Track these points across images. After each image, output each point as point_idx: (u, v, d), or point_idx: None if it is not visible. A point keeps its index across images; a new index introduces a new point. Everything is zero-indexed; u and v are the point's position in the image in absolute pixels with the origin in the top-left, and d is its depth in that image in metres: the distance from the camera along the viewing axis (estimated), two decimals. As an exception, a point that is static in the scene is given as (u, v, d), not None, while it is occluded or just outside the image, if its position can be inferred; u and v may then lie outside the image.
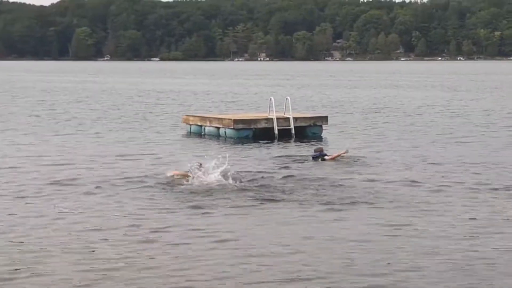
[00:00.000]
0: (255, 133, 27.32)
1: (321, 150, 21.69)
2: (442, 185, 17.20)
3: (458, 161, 21.29)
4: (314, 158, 21.32)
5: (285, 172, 19.14)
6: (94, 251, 11.59)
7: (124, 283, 9.97)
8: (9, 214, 14.21)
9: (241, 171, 18.80)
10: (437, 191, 16.48)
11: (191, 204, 15.04)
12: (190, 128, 29.63)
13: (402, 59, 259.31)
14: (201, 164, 17.79)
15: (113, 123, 33.84)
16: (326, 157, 21.19)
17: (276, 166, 20.18)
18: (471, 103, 47.68)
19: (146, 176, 18.13)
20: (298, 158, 21.85)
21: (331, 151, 22.27)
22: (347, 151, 21.58)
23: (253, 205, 14.89)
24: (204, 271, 10.50)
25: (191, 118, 30.08)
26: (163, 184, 17.13)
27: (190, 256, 11.26)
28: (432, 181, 17.82)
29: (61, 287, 9.85)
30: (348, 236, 12.43)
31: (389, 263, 10.85)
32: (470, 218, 13.84)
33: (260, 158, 22.00)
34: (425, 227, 13.11)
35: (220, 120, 28.35)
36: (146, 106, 45.19)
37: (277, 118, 27.68)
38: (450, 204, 15.13)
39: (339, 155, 21.35)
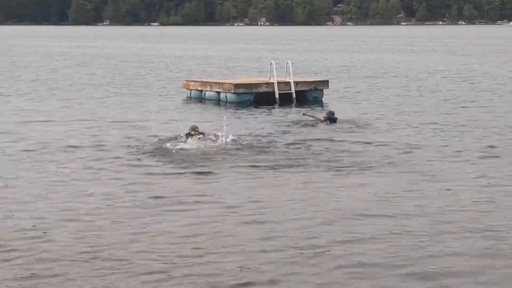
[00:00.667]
0: (256, 97, 27.13)
1: (332, 113, 21.61)
2: (450, 151, 17.07)
3: (464, 125, 21.15)
4: (330, 120, 21.13)
5: (288, 136, 19.07)
6: (97, 219, 11.42)
7: (130, 252, 9.83)
8: (5, 183, 14.09)
9: (242, 135, 18.71)
10: (444, 156, 16.33)
11: (193, 169, 14.87)
12: (191, 93, 29.42)
13: (403, 23, 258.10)
14: (200, 132, 17.66)
15: (113, 88, 33.65)
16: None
17: (278, 130, 20.08)
18: (475, 67, 47.34)
19: (146, 142, 17.94)
20: (300, 121, 21.73)
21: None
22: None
23: (257, 170, 14.71)
24: (212, 238, 10.38)
25: (192, 83, 29.85)
26: (163, 149, 16.95)
27: (196, 223, 11.11)
28: (438, 146, 17.70)
29: (65, 259, 9.60)
30: (352, 203, 12.23)
31: (394, 233, 10.65)
32: (477, 184, 13.72)
33: (262, 122, 21.89)
34: (432, 193, 12.98)
35: (220, 84, 28.15)
36: (146, 71, 44.96)
37: (278, 83, 27.47)
38: (458, 169, 14.97)
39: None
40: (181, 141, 17.48)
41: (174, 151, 16.75)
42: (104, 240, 10.27)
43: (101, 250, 9.85)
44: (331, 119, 21.18)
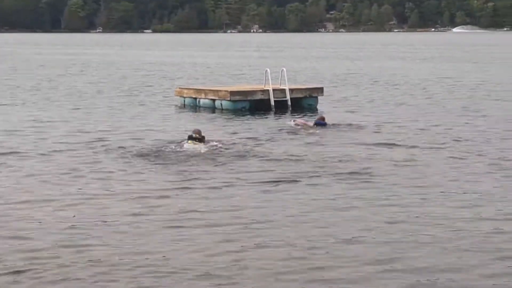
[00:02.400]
0: (251, 104, 27.14)
1: (323, 119, 22.14)
2: (445, 156, 17.06)
3: (471, 135, 20.79)
4: (319, 124, 21.79)
5: (286, 143, 19.08)
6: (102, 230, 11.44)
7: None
8: (14, 189, 14.14)
9: (241, 141, 18.89)
10: (445, 163, 16.29)
11: (195, 181, 14.63)
12: (184, 100, 29.34)
13: (395, 30, 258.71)
14: (201, 136, 17.88)
15: (105, 97, 33.59)
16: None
17: (277, 137, 20.10)
18: (474, 74, 46.89)
19: (142, 149, 17.95)
20: (298, 128, 21.72)
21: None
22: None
23: (259, 182, 14.50)
24: (230, 257, 10.25)
25: (185, 91, 29.79)
26: (162, 155, 17.01)
27: (184, 237, 11.04)
28: (435, 153, 17.70)
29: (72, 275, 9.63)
30: (352, 213, 12.17)
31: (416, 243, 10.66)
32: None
33: (259, 129, 21.91)
34: (423, 202, 13.00)
35: (216, 92, 28.13)
36: (139, 79, 44.88)
37: (273, 90, 27.49)
38: (464, 179, 14.91)
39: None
40: (182, 145, 17.64)
41: (173, 157, 16.77)
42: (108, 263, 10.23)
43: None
44: (319, 123, 21.76)
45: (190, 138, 17.83)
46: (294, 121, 22.68)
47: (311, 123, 22.05)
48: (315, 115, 24.53)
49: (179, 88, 31.00)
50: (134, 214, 12.02)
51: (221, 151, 17.46)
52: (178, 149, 17.51)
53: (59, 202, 12.90)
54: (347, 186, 14.02)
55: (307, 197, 13.15)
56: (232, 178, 14.67)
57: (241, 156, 16.98)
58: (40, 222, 11.59)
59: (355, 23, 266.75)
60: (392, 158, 16.84)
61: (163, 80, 43.79)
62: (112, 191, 13.74)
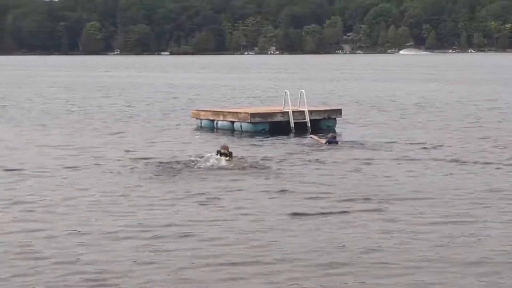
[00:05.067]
0: (271, 126, 27.17)
1: (334, 137, 23.20)
2: (468, 187, 16.43)
3: (487, 158, 20.26)
4: (331, 143, 22.61)
5: (314, 165, 19.05)
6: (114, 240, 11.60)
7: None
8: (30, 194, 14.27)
9: (268, 161, 19.24)
10: (457, 190, 16.01)
11: (207, 196, 14.91)
12: (201, 122, 29.22)
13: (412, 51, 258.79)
14: (229, 152, 18.25)
15: (131, 120, 33.60)
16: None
17: (304, 159, 20.04)
18: (499, 96, 46.34)
19: (159, 170, 18.02)
20: (320, 150, 21.84)
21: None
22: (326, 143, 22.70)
23: (290, 202, 14.53)
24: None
25: (202, 113, 29.66)
26: (172, 176, 17.18)
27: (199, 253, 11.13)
28: (452, 177, 17.58)
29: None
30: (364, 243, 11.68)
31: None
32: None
33: (284, 150, 21.97)
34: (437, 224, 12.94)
35: (235, 114, 28.12)
36: (157, 101, 44.86)
37: (293, 112, 27.54)
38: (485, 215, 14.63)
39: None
40: (210, 160, 18.03)
41: (202, 175, 17.01)
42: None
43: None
44: (331, 141, 22.53)
45: (219, 153, 18.20)
46: (311, 137, 23.57)
47: (323, 140, 22.77)
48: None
49: (196, 110, 30.85)
50: (178, 250, 11.28)
51: (250, 168, 17.81)
52: (206, 166, 17.84)
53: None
54: (392, 211, 13.58)
55: (348, 226, 12.58)
56: (267, 205, 14.30)
57: (270, 176, 17.04)
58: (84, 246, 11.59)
59: (372, 45, 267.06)
60: (413, 179, 16.81)
61: (180, 101, 43.80)
62: (158, 219, 13.35)
